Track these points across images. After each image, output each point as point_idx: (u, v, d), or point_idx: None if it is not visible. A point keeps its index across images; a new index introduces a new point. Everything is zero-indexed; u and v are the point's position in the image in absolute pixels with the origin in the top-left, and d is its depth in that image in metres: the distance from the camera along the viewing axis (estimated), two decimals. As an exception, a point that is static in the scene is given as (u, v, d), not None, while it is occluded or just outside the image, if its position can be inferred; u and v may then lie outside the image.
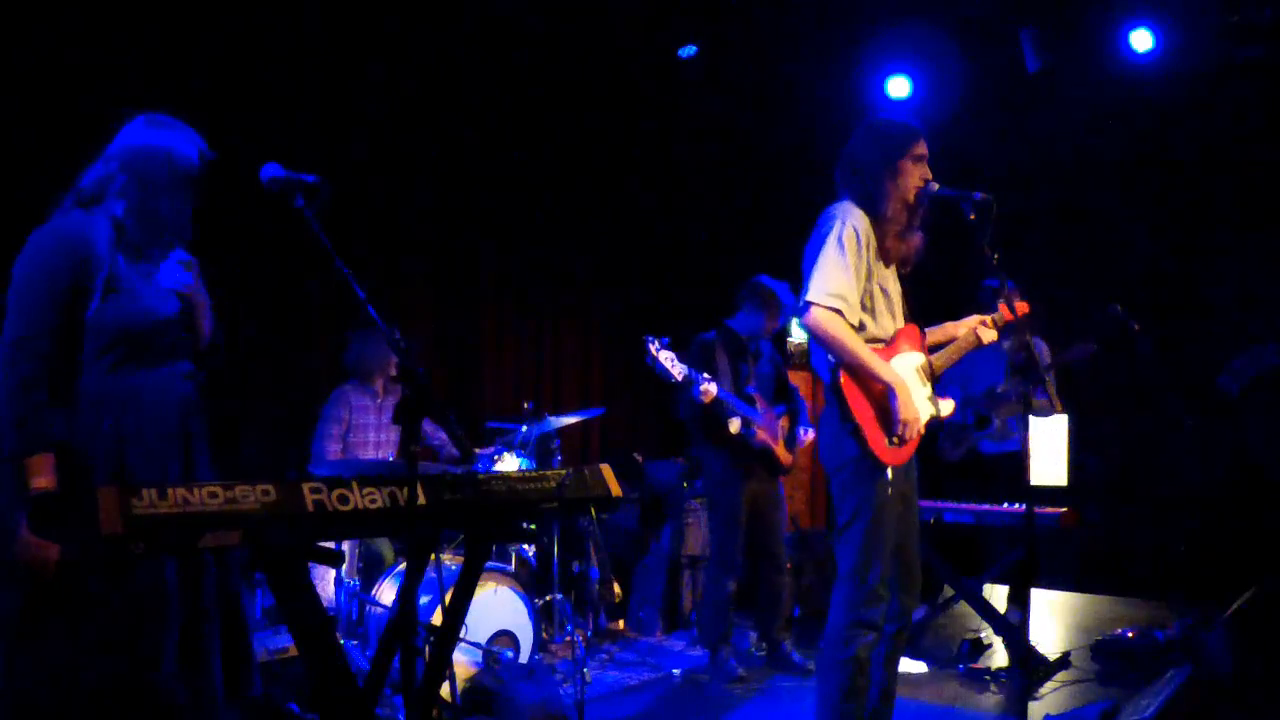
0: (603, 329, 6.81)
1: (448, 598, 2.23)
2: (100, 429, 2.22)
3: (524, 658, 3.90)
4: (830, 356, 2.70)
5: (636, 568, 5.48)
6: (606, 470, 2.24)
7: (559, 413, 4.87)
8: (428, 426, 4.52)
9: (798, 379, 5.03)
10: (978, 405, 4.86)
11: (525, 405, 4.71)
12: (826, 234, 2.70)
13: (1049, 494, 5.84)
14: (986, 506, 4.42)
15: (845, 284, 2.66)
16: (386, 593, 3.83)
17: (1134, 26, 5.87)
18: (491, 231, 6.03)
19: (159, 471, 2.27)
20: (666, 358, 4.05)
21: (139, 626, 2.17)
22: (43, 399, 2.14)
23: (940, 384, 3.07)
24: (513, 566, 4.49)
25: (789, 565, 4.72)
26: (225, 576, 2.37)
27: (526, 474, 2.12)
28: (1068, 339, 4.78)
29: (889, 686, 2.87)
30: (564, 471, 2.16)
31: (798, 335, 7.42)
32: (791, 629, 4.74)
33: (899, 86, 6.56)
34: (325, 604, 2.56)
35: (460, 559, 3.69)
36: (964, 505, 4.48)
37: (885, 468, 2.70)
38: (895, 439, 2.70)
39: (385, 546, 4.19)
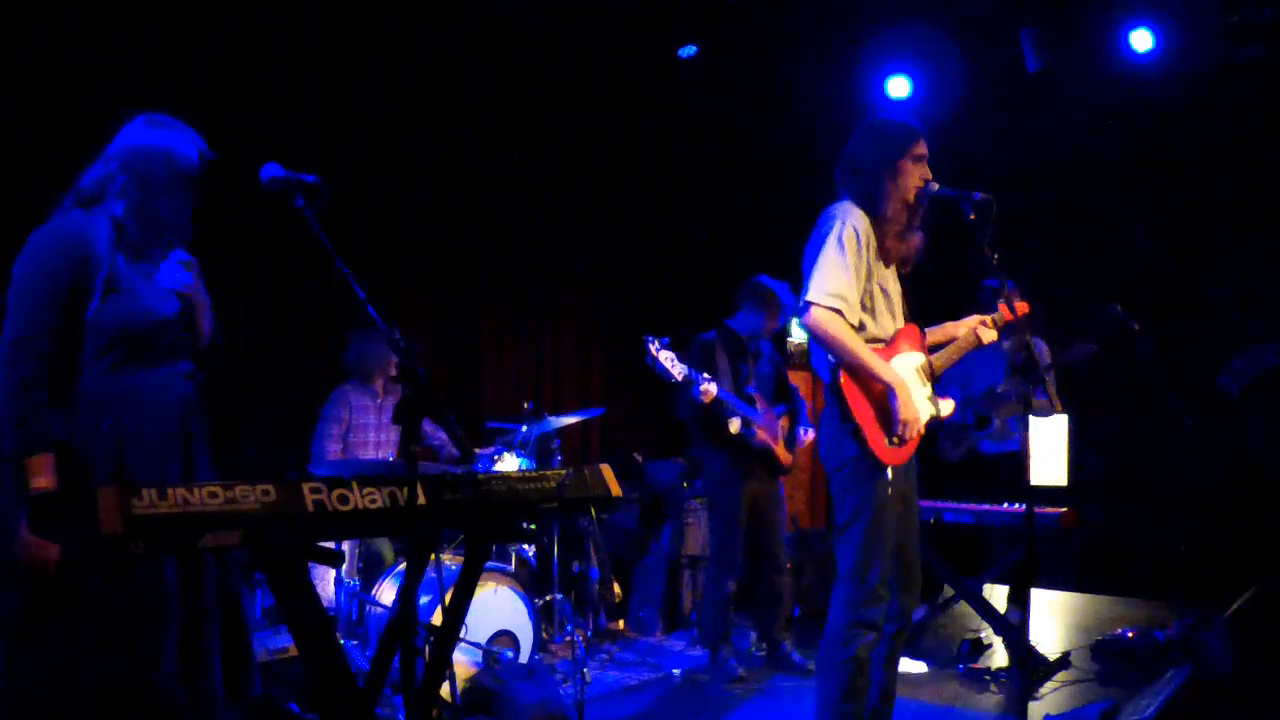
0: (603, 329, 6.81)
1: (448, 598, 2.23)
2: (100, 429, 2.22)
3: (524, 658, 3.90)
4: (830, 356, 2.70)
5: (636, 568, 5.48)
6: (606, 470, 2.24)
7: (559, 413, 4.87)
8: (428, 426, 4.52)
9: (798, 379, 5.03)
10: (978, 405, 4.86)
11: (525, 405, 4.71)
12: (826, 234, 2.70)
13: (1049, 494, 5.83)
14: (986, 506, 4.42)
15: (845, 284, 2.66)
16: (386, 593, 3.83)
17: (1134, 26, 5.87)
18: (491, 231, 6.03)
19: (159, 471, 2.27)
20: (666, 358, 4.05)
21: (139, 626, 2.17)
22: (43, 399, 2.14)
23: (940, 384, 3.07)
24: (513, 566, 4.49)
25: (789, 565, 4.72)
26: (225, 576, 2.37)
27: (526, 474, 2.12)
28: (1068, 339, 4.77)
29: (889, 686, 2.87)
30: (564, 471, 2.15)
31: (798, 335, 7.42)
32: (791, 629, 4.74)
33: (899, 86, 6.56)
34: (325, 604, 2.57)
35: (460, 559, 3.69)
36: (964, 505, 4.48)
37: (885, 468, 2.70)
38: (895, 439, 2.70)
39: (385, 546, 4.19)
